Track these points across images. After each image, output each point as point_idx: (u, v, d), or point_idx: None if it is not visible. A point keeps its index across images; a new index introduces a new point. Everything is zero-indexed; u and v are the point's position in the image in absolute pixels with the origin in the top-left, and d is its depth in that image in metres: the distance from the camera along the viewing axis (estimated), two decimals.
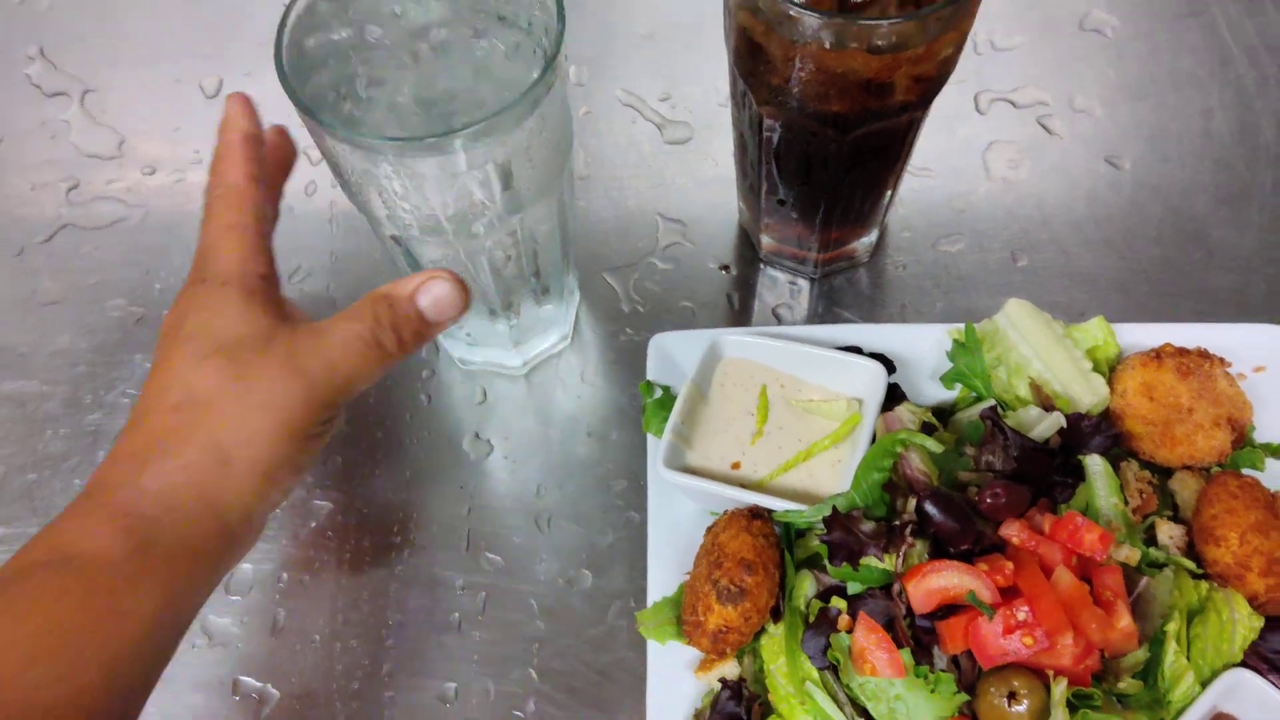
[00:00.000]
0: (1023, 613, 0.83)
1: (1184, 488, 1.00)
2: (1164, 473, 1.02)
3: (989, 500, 0.90)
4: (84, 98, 1.47)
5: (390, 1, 0.92)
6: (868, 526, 0.91)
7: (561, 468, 1.14)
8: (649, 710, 0.94)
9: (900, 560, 0.89)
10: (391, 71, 0.94)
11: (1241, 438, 1.02)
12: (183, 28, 1.53)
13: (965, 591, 0.84)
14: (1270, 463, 1.01)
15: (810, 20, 0.85)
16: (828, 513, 0.92)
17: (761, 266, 1.28)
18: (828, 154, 1.01)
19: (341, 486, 1.15)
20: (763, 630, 0.95)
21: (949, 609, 0.86)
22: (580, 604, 1.07)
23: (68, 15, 1.56)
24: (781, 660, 0.92)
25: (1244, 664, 0.88)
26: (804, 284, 1.26)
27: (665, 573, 1.01)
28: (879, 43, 0.85)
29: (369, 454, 1.16)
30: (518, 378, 1.20)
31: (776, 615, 0.94)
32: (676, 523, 1.03)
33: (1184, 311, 1.20)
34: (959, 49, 0.94)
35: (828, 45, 0.86)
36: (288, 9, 0.84)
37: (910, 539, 0.89)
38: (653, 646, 0.97)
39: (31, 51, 1.51)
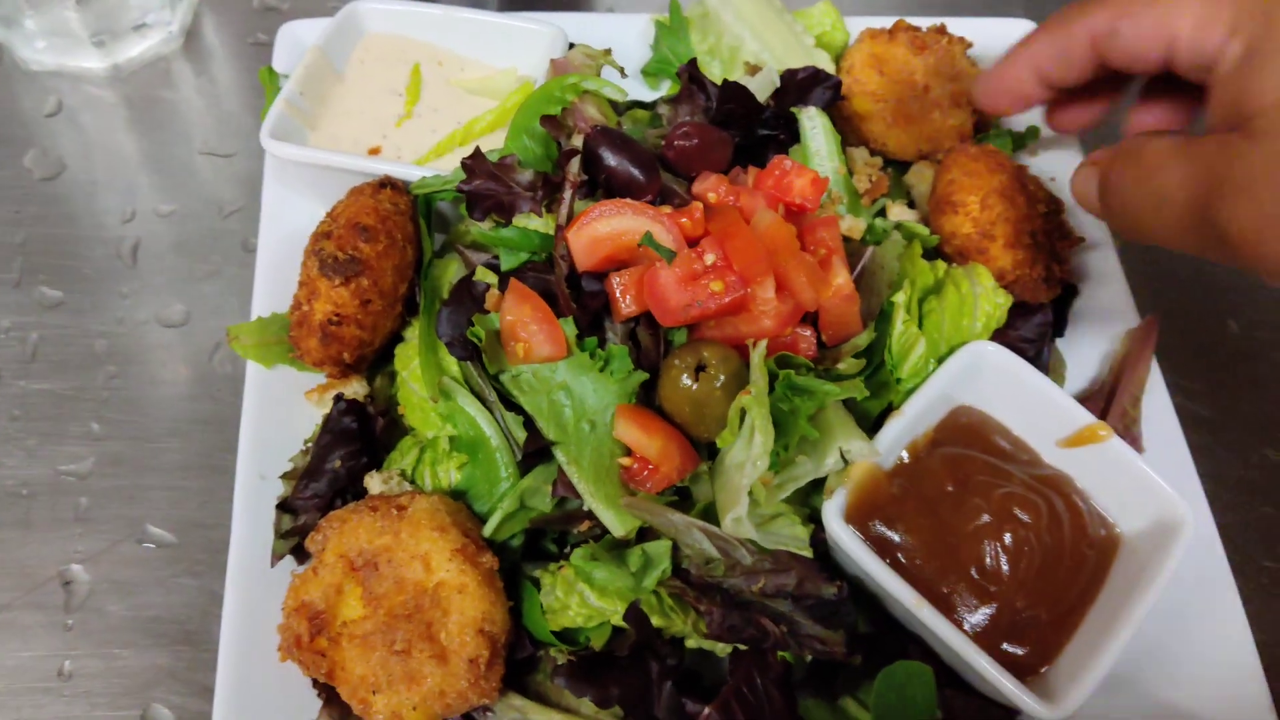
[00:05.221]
0: (711, 255, 0.63)
1: (921, 180, 0.83)
2: (900, 168, 0.86)
3: (678, 143, 0.69)
4: None
5: None
6: (524, 176, 0.69)
7: (162, 190, 0.87)
8: (240, 456, 0.69)
9: (565, 213, 0.67)
10: None
11: (986, 122, 0.86)
12: None
13: (640, 235, 0.64)
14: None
15: None
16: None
17: None
18: None
19: None
20: (400, 340, 0.72)
21: (622, 267, 0.66)
22: (170, 346, 0.81)
23: None
24: (415, 364, 0.69)
25: None
26: None
27: (278, 288, 0.76)
28: None
29: None
30: (106, 84, 0.92)
31: (412, 308, 0.71)
32: (295, 232, 0.77)
33: (934, 5, 1.03)
34: None
35: None
36: None
37: (575, 190, 0.68)
38: (253, 373, 0.72)
39: None
